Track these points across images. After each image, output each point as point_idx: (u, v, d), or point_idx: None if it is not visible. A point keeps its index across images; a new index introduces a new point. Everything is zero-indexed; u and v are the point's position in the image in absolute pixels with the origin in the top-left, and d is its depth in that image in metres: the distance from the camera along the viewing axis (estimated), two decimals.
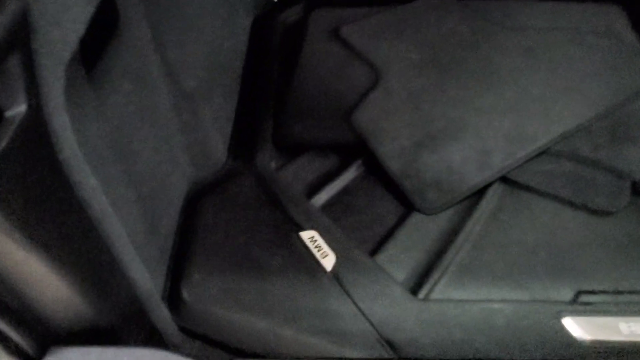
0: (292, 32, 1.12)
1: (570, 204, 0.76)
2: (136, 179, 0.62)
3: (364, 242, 0.72)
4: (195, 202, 0.79)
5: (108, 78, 0.56)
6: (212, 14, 0.89)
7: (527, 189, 0.78)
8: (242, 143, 0.90)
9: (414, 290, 0.66)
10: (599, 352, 0.60)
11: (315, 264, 0.66)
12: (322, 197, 0.78)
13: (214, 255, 0.71)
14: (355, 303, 0.63)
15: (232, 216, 0.76)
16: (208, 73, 0.85)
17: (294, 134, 0.87)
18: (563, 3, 1.14)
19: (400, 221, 0.74)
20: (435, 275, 0.66)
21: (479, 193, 0.77)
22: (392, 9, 1.12)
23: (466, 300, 0.63)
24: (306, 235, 0.69)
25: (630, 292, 0.65)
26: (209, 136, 0.85)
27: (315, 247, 0.67)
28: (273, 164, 0.84)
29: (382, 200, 0.77)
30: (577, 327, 0.62)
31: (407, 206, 0.75)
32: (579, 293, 0.65)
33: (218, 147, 0.87)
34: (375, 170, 0.80)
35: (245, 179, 0.81)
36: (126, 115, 0.61)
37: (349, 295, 0.64)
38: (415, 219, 0.74)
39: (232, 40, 1.00)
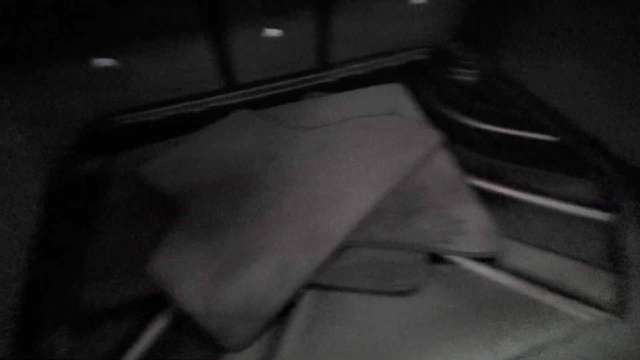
0: (95, 183, 1.07)
1: (377, 292, 0.76)
2: None
3: None
4: None
5: None
6: None
7: (338, 288, 0.77)
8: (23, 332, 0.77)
9: None
10: None
11: None
12: None
13: None
14: None
15: None
16: None
17: (85, 302, 0.77)
18: (353, 92, 1.24)
19: None
20: None
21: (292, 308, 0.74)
22: (192, 136, 1.12)
23: None
24: None
25: None
26: None
27: None
28: (61, 350, 0.73)
29: (193, 350, 0.71)
30: None
31: (217, 350, 0.70)
32: None
33: None
34: (183, 318, 0.74)
35: None
36: None
37: None
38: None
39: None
